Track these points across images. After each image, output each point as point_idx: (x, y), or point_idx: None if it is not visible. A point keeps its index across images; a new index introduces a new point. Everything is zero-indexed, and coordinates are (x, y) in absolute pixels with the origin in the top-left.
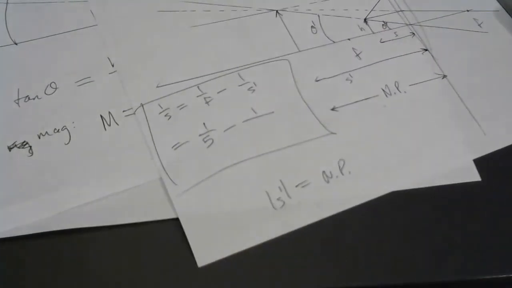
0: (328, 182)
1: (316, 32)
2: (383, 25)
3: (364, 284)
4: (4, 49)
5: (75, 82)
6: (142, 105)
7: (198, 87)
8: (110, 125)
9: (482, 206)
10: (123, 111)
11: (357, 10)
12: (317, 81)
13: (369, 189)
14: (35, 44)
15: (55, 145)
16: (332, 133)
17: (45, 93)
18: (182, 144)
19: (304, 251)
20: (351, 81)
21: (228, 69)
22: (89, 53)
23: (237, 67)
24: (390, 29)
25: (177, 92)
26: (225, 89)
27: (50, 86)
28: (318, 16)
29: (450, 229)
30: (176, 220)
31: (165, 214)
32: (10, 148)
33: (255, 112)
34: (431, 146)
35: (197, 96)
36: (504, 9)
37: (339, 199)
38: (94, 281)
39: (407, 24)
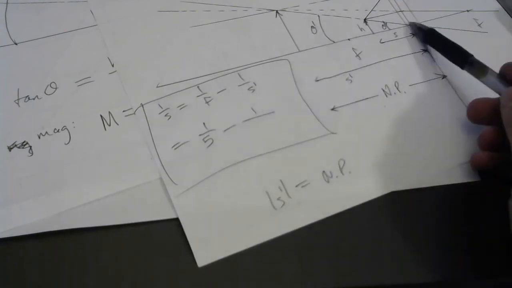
0: (328, 182)
1: (316, 32)
2: (383, 25)
3: (364, 284)
4: (4, 49)
5: (75, 82)
6: (142, 105)
7: (198, 87)
8: (110, 125)
9: (482, 206)
10: (123, 111)
11: (357, 10)
12: (317, 81)
13: (369, 189)
14: (35, 44)
15: (55, 145)
16: (332, 133)
17: (45, 93)
18: (182, 144)
19: (304, 251)
20: (351, 81)
21: (228, 69)
22: (89, 53)
23: (237, 67)
24: (390, 29)
25: (177, 92)
26: (225, 89)
27: (50, 86)
28: (318, 16)
29: (450, 229)
30: (176, 220)
31: (165, 214)
32: (10, 148)
33: (255, 112)
34: (431, 146)
35: (197, 96)
36: (504, 9)
37: (339, 199)
38: (94, 281)
39: (407, 25)
